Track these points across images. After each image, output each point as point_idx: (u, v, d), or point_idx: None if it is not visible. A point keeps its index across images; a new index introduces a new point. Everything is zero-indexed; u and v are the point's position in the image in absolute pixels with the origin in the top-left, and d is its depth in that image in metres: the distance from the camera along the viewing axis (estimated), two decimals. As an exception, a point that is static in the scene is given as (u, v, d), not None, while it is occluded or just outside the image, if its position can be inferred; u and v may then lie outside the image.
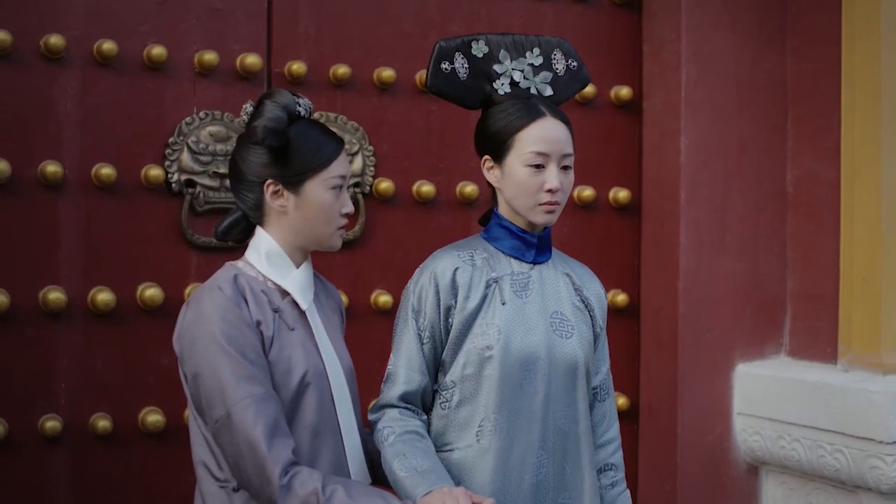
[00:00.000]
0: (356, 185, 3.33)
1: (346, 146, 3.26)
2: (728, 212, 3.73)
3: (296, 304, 2.29)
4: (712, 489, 3.70)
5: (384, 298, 3.35)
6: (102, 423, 3.04)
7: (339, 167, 2.27)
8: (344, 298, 3.29)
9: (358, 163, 3.32)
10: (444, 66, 2.41)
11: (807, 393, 3.50)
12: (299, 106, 2.27)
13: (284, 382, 2.21)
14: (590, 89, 3.67)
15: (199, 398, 2.16)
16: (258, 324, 2.20)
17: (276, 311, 2.24)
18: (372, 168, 3.36)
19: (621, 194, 3.75)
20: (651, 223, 3.78)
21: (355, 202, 3.30)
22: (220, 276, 2.26)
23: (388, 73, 3.34)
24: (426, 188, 3.42)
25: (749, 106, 3.75)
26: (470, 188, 3.46)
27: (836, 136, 3.65)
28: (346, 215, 2.31)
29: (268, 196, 2.24)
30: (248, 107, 2.28)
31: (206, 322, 2.16)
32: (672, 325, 3.69)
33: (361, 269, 3.36)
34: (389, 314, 3.33)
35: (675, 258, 3.68)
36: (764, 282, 3.78)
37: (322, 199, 2.25)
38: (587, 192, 3.68)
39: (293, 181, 2.24)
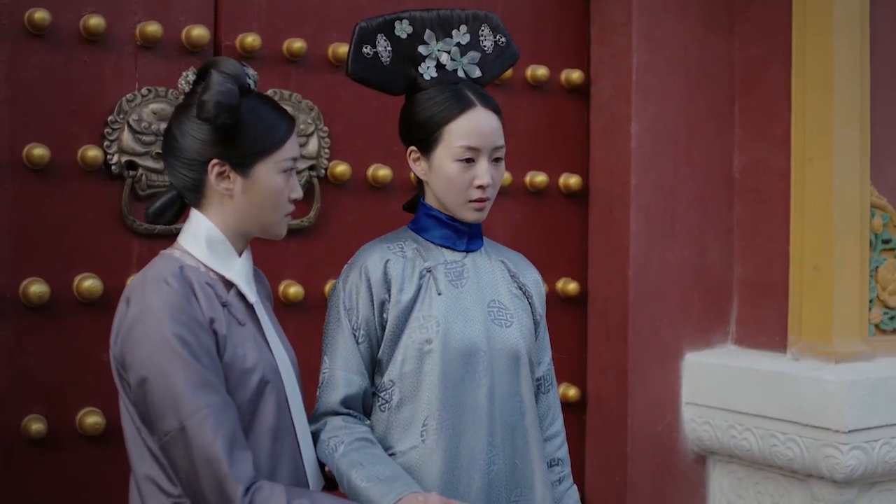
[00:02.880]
0: (311, 168, 3.13)
1: (301, 126, 3.07)
2: (677, 199, 3.68)
3: (242, 296, 2.10)
4: (661, 479, 3.66)
5: (340, 289, 3.17)
6: (36, 425, 2.79)
7: (291, 149, 2.09)
8: (299, 289, 3.11)
9: (313, 144, 3.13)
10: (366, 50, 2.28)
11: (760, 382, 3.48)
12: (248, 77, 2.08)
13: (242, 384, 2.02)
14: (542, 72, 3.57)
15: (146, 407, 1.94)
16: (211, 322, 1.99)
17: (224, 305, 2.04)
18: (327, 150, 3.17)
19: (572, 180, 3.66)
20: (599, 210, 3.70)
21: (311, 186, 3.12)
22: (161, 268, 2.02)
23: (344, 49, 3.14)
24: (382, 172, 3.25)
25: (698, 92, 3.71)
26: (426, 173, 3.31)
27: (785, 124, 3.64)
28: (294, 201, 2.13)
29: (212, 177, 2.04)
30: (190, 75, 2.07)
31: (154, 321, 1.94)
32: (622, 313, 3.62)
33: (315, 258, 3.17)
34: (345, 305, 3.18)
35: (625, 246, 3.61)
36: (711, 269, 3.75)
37: (272, 184, 2.07)
38: (539, 178, 3.58)
39: (242, 163, 2.04)
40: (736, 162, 3.79)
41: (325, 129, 3.18)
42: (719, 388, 3.60)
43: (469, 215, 2.27)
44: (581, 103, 3.72)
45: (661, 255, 3.65)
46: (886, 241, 3.66)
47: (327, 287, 3.20)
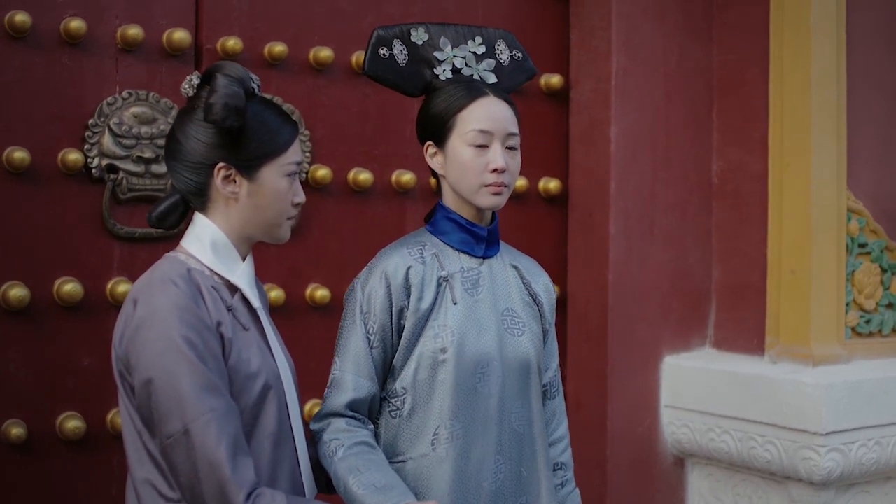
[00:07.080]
0: (293, 172, 3.14)
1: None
2: (656, 202, 3.70)
3: (245, 300, 2.10)
4: (641, 482, 3.68)
5: (321, 293, 3.17)
6: (16, 430, 2.77)
7: (295, 153, 2.11)
8: (279, 293, 3.11)
9: (294, 148, 3.14)
10: (382, 52, 2.30)
11: (738, 385, 3.50)
12: (252, 82, 2.09)
13: (246, 388, 2.02)
14: (522, 76, 3.58)
15: (150, 409, 1.93)
16: (218, 325, 1.99)
17: (229, 309, 2.05)
18: (308, 154, 3.17)
19: (552, 184, 3.68)
20: (579, 213, 3.72)
21: (293, 190, 3.13)
22: (168, 269, 2.02)
23: (325, 54, 3.16)
24: (363, 176, 3.25)
25: (676, 96, 3.73)
26: (407, 177, 3.32)
27: (763, 128, 3.66)
28: (298, 205, 2.14)
29: (217, 181, 2.04)
30: (194, 79, 2.07)
31: (161, 322, 1.93)
32: (601, 317, 3.63)
33: (295, 262, 3.17)
34: (326, 310, 3.18)
35: (605, 249, 3.63)
36: (690, 273, 3.77)
37: (277, 187, 2.08)
38: (519, 182, 3.58)
39: (248, 166, 2.05)
40: (714, 166, 3.82)
41: (307, 133, 3.18)
42: (698, 391, 3.62)
43: (486, 200, 2.25)
44: (561, 107, 3.74)
45: (640, 259, 3.67)
46: (862, 245, 3.69)
47: (308, 291, 3.20)
